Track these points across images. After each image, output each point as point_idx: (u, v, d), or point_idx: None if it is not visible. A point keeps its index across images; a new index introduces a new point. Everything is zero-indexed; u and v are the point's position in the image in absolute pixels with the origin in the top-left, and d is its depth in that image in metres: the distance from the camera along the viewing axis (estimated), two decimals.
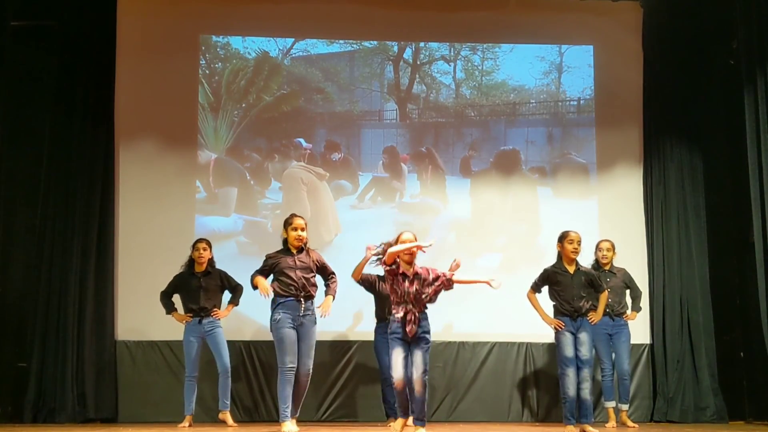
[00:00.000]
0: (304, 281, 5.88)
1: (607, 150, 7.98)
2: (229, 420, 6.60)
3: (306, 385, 5.91)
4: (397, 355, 5.31)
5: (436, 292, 5.42)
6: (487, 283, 5.46)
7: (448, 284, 5.43)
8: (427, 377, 5.35)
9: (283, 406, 5.79)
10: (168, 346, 7.18)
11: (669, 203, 7.75)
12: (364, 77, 8.05)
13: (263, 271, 6.00)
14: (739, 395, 7.54)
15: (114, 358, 7.24)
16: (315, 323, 5.94)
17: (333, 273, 6.16)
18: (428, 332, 5.39)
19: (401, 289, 5.33)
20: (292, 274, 5.86)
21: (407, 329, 5.30)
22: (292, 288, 5.84)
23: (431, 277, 5.40)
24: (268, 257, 6.03)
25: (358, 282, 6.63)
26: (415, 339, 5.33)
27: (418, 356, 5.31)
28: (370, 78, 8.05)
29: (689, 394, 7.38)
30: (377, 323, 6.75)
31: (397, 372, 5.29)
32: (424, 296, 5.36)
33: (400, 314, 5.32)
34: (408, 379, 5.30)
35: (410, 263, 5.39)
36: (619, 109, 8.02)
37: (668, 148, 7.83)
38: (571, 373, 6.03)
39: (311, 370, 5.91)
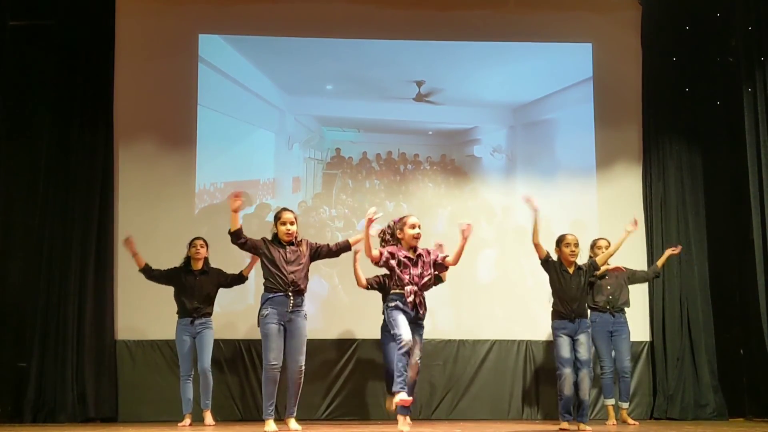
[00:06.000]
0: (294, 276, 5.80)
1: (607, 148, 7.97)
2: (208, 419, 6.57)
3: (299, 383, 5.81)
4: (403, 320, 5.39)
5: (435, 275, 5.60)
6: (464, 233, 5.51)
7: (442, 267, 5.64)
8: (420, 361, 5.64)
9: (266, 403, 5.73)
10: (168, 346, 7.17)
11: (668, 201, 7.76)
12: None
13: (246, 241, 5.85)
14: (739, 392, 7.54)
15: (114, 357, 7.25)
16: (305, 318, 5.86)
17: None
18: (423, 318, 5.61)
19: (408, 273, 5.42)
20: (282, 268, 5.78)
21: (420, 312, 5.46)
22: (281, 283, 5.76)
23: (431, 259, 5.57)
24: (260, 240, 5.89)
25: (368, 288, 6.53)
26: (414, 323, 5.45)
27: (416, 341, 5.45)
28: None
29: (689, 392, 7.39)
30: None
31: (406, 333, 5.33)
32: (426, 279, 5.46)
33: (411, 298, 5.43)
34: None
35: (415, 247, 5.53)
36: (619, 107, 8.02)
37: (667, 146, 7.83)
38: (567, 372, 6.04)
39: (303, 367, 5.81)
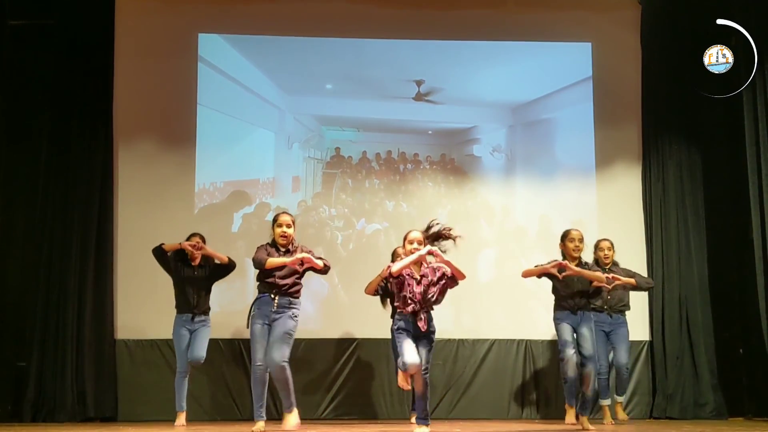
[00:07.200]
0: (281, 280, 5.73)
1: (606, 147, 7.98)
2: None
3: (284, 380, 5.67)
4: (408, 344, 5.30)
5: (442, 292, 5.45)
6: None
7: (451, 282, 5.44)
8: (427, 375, 5.37)
9: (255, 405, 5.75)
10: (167, 345, 7.17)
11: (668, 201, 7.76)
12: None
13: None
14: (738, 391, 7.53)
15: (113, 356, 7.26)
16: (292, 318, 5.75)
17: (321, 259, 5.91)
18: (434, 332, 5.45)
19: (409, 291, 5.35)
20: (273, 274, 5.75)
21: (419, 324, 5.32)
22: (267, 285, 5.76)
23: (437, 276, 5.42)
24: (260, 247, 5.88)
25: (373, 294, 6.55)
26: (420, 336, 5.36)
27: (421, 353, 5.33)
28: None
29: (689, 391, 7.39)
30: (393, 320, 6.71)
31: (411, 357, 5.22)
32: (430, 296, 5.38)
33: (409, 313, 5.35)
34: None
35: (420, 264, 5.43)
36: (618, 107, 8.02)
37: (667, 146, 7.83)
38: (570, 353, 5.96)
39: (285, 364, 5.65)
